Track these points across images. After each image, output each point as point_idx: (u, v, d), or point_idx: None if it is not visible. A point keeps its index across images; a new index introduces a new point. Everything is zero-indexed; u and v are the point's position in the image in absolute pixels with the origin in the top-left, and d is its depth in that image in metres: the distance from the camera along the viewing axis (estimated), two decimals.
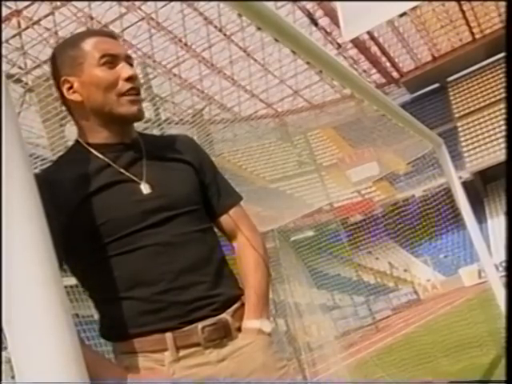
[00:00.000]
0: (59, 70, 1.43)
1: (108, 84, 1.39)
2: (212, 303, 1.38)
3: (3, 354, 9.98)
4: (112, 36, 1.47)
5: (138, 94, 1.43)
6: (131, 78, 1.40)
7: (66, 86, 1.42)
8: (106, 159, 1.40)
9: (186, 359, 1.35)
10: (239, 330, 1.42)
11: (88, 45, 1.41)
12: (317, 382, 8.48)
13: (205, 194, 1.51)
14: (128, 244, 1.35)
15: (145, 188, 1.40)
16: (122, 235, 1.35)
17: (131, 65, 1.44)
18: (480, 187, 35.51)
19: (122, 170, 1.40)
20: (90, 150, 1.41)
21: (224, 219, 1.54)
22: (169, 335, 1.34)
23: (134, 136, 1.48)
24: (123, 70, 1.41)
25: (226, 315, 1.40)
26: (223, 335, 1.38)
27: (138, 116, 1.43)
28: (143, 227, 1.36)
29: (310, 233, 29.41)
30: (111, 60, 1.40)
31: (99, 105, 1.40)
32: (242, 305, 1.45)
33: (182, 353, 1.35)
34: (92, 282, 1.41)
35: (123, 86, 1.40)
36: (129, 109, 1.40)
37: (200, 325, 1.35)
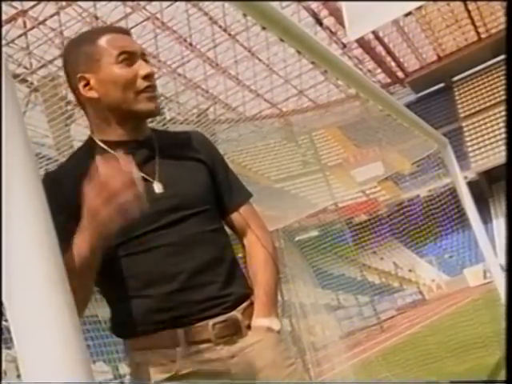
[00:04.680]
0: (74, 66, 1.43)
1: (126, 82, 1.39)
2: (223, 302, 1.40)
3: (10, 352, 10.02)
4: (126, 32, 1.47)
5: (155, 90, 1.44)
6: (149, 76, 1.41)
7: (82, 82, 1.41)
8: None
9: (198, 355, 1.37)
10: (249, 327, 1.44)
11: (104, 41, 1.41)
12: (321, 381, 8.47)
13: (216, 191, 1.51)
14: (141, 244, 1.36)
15: (157, 187, 1.40)
16: (136, 235, 1.36)
17: (146, 61, 1.45)
18: (485, 187, 35.41)
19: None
20: (104, 147, 1.41)
21: (234, 217, 1.55)
22: (180, 331, 1.35)
23: (147, 133, 1.48)
24: (141, 67, 1.41)
25: (236, 313, 1.42)
26: (233, 332, 1.40)
27: (156, 112, 1.44)
28: (156, 227, 1.37)
29: (315, 233, 29.39)
30: (128, 57, 1.40)
31: (117, 102, 1.40)
32: (252, 303, 1.47)
33: (193, 348, 1.37)
34: (106, 281, 1.42)
35: (141, 83, 1.40)
36: (147, 106, 1.41)
37: (211, 322, 1.37)
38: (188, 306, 1.36)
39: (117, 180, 1.33)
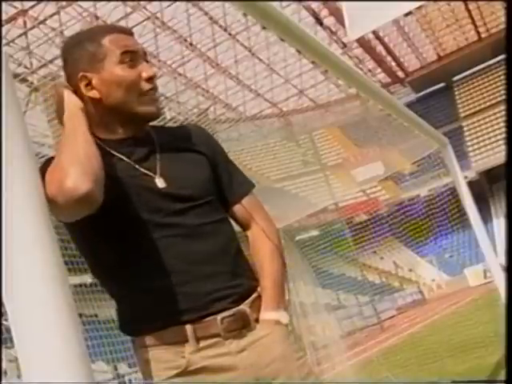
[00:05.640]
0: (75, 65, 1.41)
1: (130, 83, 1.38)
2: (230, 295, 1.40)
3: (11, 352, 10.02)
4: (130, 33, 1.46)
5: (157, 92, 1.44)
6: (151, 78, 1.41)
7: (84, 82, 1.39)
8: (120, 155, 1.40)
9: (207, 350, 1.37)
10: (257, 320, 1.43)
11: (108, 41, 1.39)
12: (321, 381, 8.48)
13: (218, 183, 1.51)
14: (146, 236, 1.36)
15: (159, 182, 1.39)
16: (140, 228, 1.36)
17: (148, 62, 1.44)
18: (485, 187, 35.42)
19: (136, 166, 1.40)
20: (103, 146, 1.39)
21: (237, 209, 1.54)
22: (189, 327, 1.35)
23: (146, 129, 1.48)
24: (144, 69, 1.41)
25: (244, 306, 1.41)
26: (242, 326, 1.40)
27: (157, 115, 1.44)
28: (160, 220, 1.37)
29: (315, 232, 29.40)
30: (132, 57, 1.40)
31: (119, 103, 1.39)
32: (259, 296, 1.46)
33: (202, 343, 1.36)
34: (110, 276, 1.42)
35: (144, 85, 1.40)
36: (149, 108, 1.41)
37: (219, 316, 1.37)
38: (194, 298, 1.36)
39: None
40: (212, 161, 1.51)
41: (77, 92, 1.40)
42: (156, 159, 1.43)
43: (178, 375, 1.36)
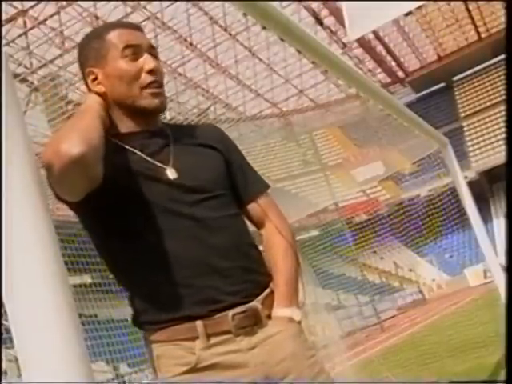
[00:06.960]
0: (84, 61, 1.45)
1: (131, 76, 1.40)
2: (242, 290, 1.39)
3: (11, 352, 10.02)
4: (135, 27, 1.47)
5: (161, 86, 1.43)
6: (153, 71, 1.41)
7: (91, 77, 1.43)
8: (131, 148, 1.40)
9: (217, 347, 1.36)
10: (269, 317, 1.42)
11: (111, 36, 1.42)
12: (321, 381, 8.46)
13: (232, 181, 1.51)
14: (157, 228, 1.36)
15: (171, 173, 1.39)
16: (151, 220, 1.36)
17: (155, 56, 1.45)
18: (485, 187, 35.42)
19: (147, 158, 1.40)
20: (114, 140, 1.40)
21: (252, 207, 1.53)
22: (199, 323, 1.35)
23: (160, 125, 1.49)
24: (146, 62, 1.41)
25: (256, 303, 1.40)
26: (253, 323, 1.39)
27: (160, 109, 1.44)
28: (172, 210, 1.37)
29: (315, 232, 29.42)
30: (134, 51, 1.41)
31: (122, 97, 1.41)
32: (272, 292, 1.45)
33: (212, 340, 1.36)
34: (124, 270, 1.42)
35: (146, 78, 1.41)
36: (151, 102, 1.41)
37: (230, 312, 1.36)
38: (205, 291, 1.35)
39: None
40: (227, 158, 1.51)
41: (87, 87, 1.45)
42: (169, 152, 1.43)
43: (188, 372, 1.35)
